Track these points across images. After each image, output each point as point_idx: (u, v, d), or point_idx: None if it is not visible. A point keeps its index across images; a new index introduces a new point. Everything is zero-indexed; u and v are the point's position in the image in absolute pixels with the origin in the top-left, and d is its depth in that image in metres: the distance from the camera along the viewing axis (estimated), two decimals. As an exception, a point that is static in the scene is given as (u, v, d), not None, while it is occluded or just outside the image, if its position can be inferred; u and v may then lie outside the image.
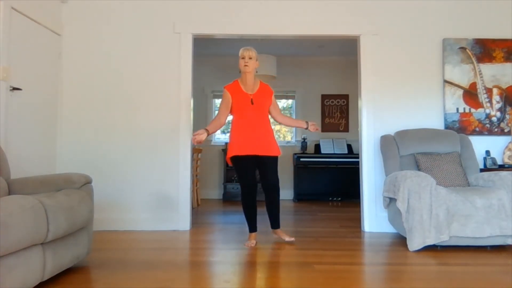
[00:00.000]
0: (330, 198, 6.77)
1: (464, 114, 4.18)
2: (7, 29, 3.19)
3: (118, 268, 2.70)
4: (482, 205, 3.24)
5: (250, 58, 3.43)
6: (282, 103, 7.55)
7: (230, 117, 3.60)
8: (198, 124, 7.10)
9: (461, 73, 4.19)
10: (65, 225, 2.29)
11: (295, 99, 7.36)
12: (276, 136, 7.56)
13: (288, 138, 7.45)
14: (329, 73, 7.36)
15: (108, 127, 4.13)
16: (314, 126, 3.60)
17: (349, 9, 4.25)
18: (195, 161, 5.86)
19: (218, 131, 6.73)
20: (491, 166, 4.04)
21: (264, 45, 6.24)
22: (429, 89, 4.21)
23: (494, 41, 4.21)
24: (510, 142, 4.15)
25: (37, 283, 2.14)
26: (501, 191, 3.29)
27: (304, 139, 6.87)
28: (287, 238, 3.51)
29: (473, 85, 4.20)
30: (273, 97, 3.59)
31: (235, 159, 3.42)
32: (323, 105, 7.32)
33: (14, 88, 3.30)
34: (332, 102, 7.33)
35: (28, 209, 2.01)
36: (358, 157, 4.44)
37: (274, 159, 3.48)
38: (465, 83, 4.20)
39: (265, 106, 3.50)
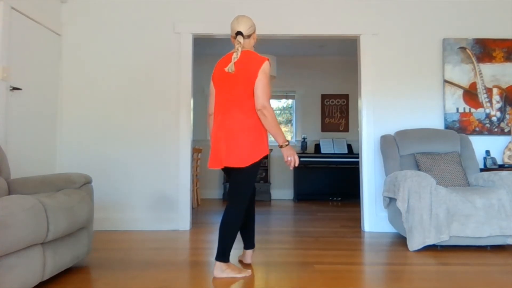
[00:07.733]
0: (330, 198, 6.77)
1: (464, 114, 4.18)
2: (7, 29, 3.19)
3: (118, 268, 2.70)
4: (482, 205, 3.24)
5: None
6: (282, 103, 7.55)
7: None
8: (198, 124, 7.11)
9: (461, 73, 4.19)
10: (65, 225, 2.29)
11: (295, 99, 7.36)
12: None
13: (288, 137, 7.44)
14: (329, 73, 7.36)
15: (108, 127, 4.13)
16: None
17: (349, 9, 4.25)
18: (195, 161, 5.86)
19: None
20: (491, 166, 4.04)
21: (264, 45, 6.24)
22: (429, 89, 4.21)
23: (494, 41, 4.21)
24: (510, 142, 4.15)
25: (37, 283, 2.14)
26: (501, 191, 3.29)
27: (304, 139, 6.87)
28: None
29: (473, 85, 4.20)
30: None
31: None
32: (323, 105, 7.33)
33: (14, 88, 3.30)
34: (332, 102, 7.33)
35: (28, 209, 2.01)
36: (358, 157, 4.45)
37: None
38: (465, 83, 4.20)
39: None
